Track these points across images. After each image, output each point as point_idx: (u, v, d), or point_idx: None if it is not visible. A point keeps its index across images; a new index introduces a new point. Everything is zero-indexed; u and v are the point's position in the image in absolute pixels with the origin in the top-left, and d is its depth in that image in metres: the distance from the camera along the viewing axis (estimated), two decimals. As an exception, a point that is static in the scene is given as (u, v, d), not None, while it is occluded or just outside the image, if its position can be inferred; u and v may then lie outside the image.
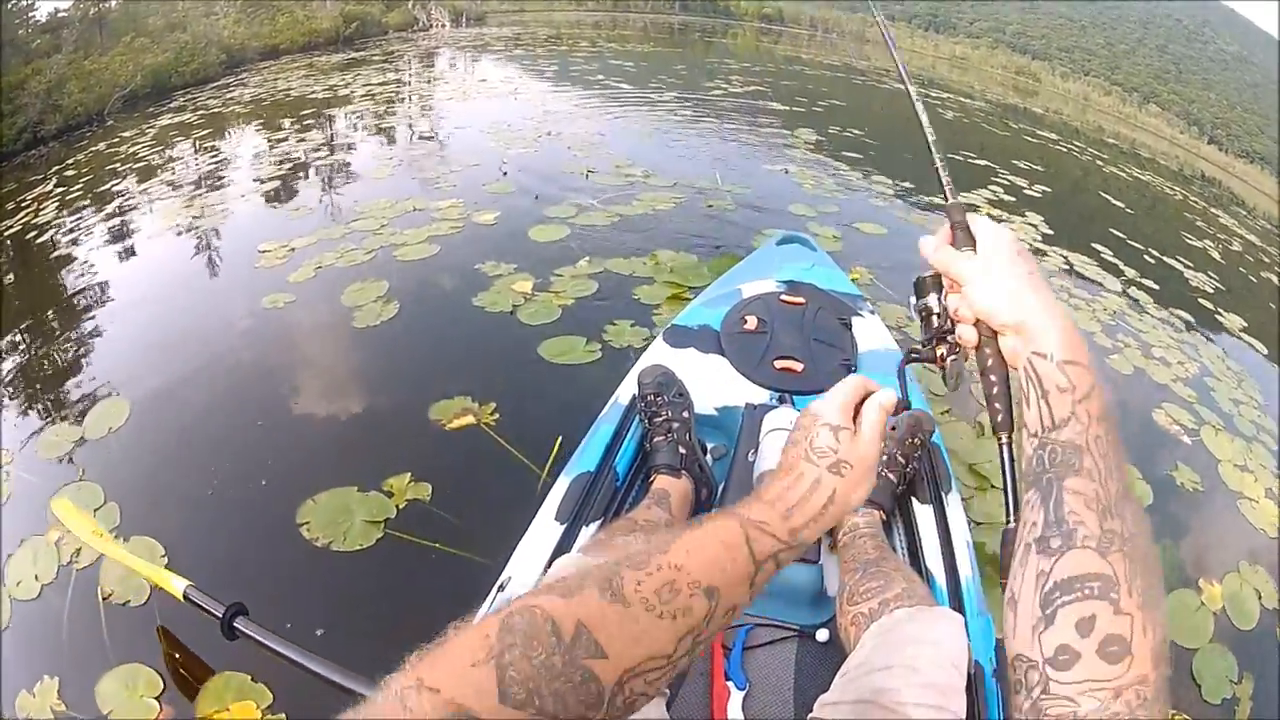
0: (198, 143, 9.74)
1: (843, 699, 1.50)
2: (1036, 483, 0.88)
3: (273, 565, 3.00)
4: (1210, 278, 8.84)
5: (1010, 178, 10.17)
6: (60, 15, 13.12)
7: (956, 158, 10.77)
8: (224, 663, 2.55)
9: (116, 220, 6.94)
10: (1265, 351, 7.12)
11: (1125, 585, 0.78)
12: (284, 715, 2.46)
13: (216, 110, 11.62)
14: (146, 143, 9.71)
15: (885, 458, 2.30)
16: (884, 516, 2.28)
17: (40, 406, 4.08)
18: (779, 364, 2.81)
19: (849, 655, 1.65)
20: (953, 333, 1.09)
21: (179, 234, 6.51)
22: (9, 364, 4.55)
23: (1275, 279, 11.10)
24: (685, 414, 2.49)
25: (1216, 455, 4.57)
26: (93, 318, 5.13)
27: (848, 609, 1.81)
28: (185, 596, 2.39)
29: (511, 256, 5.49)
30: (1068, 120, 18.69)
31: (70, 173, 8.72)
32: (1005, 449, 1.04)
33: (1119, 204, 11.24)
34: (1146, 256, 8.52)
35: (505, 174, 7.64)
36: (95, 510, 3.13)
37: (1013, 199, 9.15)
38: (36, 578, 2.91)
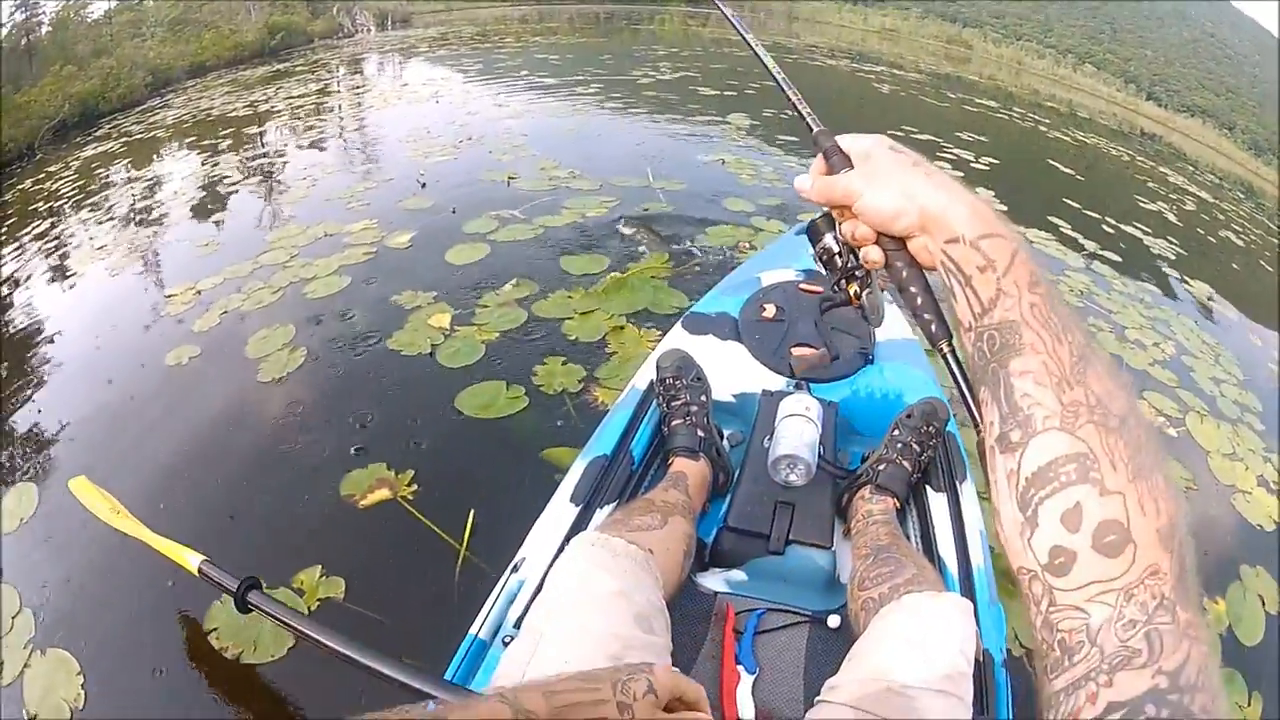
0: (115, 175, 9.24)
1: (849, 681, 1.52)
2: (983, 378, 0.82)
3: (184, 686, 2.69)
4: (1170, 243, 8.70)
5: (956, 151, 9.95)
6: (-8, 48, 12.69)
7: (897, 133, 10.09)
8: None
9: (27, 272, 6.48)
10: (1234, 317, 7.04)
11: (1107, 458, 0.70)
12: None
13: (139, 136, 11.15)
14: (69, 178, 9.21)
15: (900, 445, 2.30)
16: (898, 504, 2.27)
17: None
18: (796, 351, 2.83)
19: (857, 639, 1.68)
20: (860, 266, 1.04)
21: (86, 284, 6.08)
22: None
23: (1233, 236, 11.00)
24: (703, 397, 2.49)
25: (1205, 447, 4.42)
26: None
27: (858, 594, 1.83)
28: (200, 571, 2.44)
29: (429, 283, 5.10)
30: (1003, 85, 18.64)
31: None
32: (949, 357, 0.95)
33: (1068, 171, 11.07)
34: (1104, 226, 8.30)
35: (424, 186, 7.22)
36: (13, 618, 2.90)
37: (960, 174, 8.81)
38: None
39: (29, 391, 4.47)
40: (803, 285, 3.16)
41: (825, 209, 1.04)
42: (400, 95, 12.63)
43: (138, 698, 2.64)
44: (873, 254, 0.98)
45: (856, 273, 1.05)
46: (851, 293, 1.07)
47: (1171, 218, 10.40)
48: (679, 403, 2.44)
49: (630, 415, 2.54)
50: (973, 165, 9.45)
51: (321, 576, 2.96)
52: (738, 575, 2.19)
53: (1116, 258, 7.26)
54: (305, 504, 3.38)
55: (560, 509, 2.12)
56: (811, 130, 1.06)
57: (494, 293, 4.98)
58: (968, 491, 2.30)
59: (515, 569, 1.94)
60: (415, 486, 3.37)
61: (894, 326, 2.98)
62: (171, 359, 4.50)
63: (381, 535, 3.19)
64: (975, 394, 0.85)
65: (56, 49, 14.08)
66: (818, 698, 1.55)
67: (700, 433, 2.36)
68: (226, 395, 4.16)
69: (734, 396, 2.75)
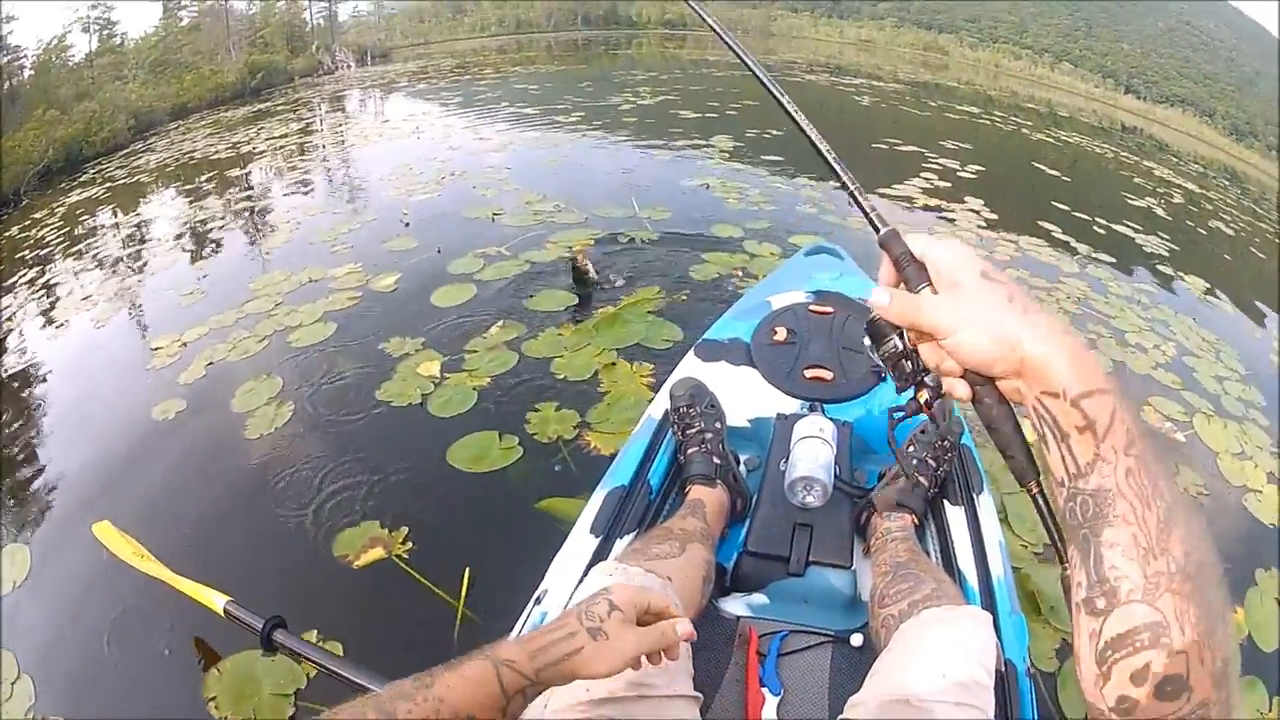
0: (100, 221, 9.33)
1: (871, 699, 1.52)
2: (1073, 538, 0.80)
3: None
4: (1161, 239, 8.63)
5: (941, 161, 9.85)
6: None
7: (881, 146, 10.50)
8: None
9: (13, 326, 6.48)
10: (1230, 310, 6.97)
11: (1177, 625, 0.71)
12: None
13: (122, 181, 11.20)
14: (55, 224, 9.30)
15: (916, 461, 2.31)
16: (916, 521, 2.26)
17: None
18: (809, 373, 2.83)
19: (879, 656, 1.68)
20: (928, 372, 0.95)
21: (70, 336, 6.08)
22: None
23: (1223, 226, 10.94)
24: (718, 424, 2.47)
25: (1213, 448, 4.35)
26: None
27: (878, 612, 1.83)
28: (225, 612, 2.47)
29: (416, 329, 5.00)
30: (981, 89, 18.63)
31: None
32: (1036, 498, 0.90)
33: (1054, 172, 11.01)
34: (1095, 227, 8.22)
35: (407, 225, 7.13)
36: (12, 683, 2.85)
37: (948, 184, 8.79)
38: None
39: (16, 449, 4.44)
40: (813, 307, 3.15)
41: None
42: (381, 132, 12.63)
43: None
44: (959, 390, 0.91)
45: (927, 379, 0.96)
46: (922, 400, 0.98)
47: (1160, 212, 10.35)
48: (694, 431, 2.43)
49: (647, 445, 2.54)
50: (959, 174, 9.35)
51: (319, 640, 2.84)
52: (759, 599, 2.19)
53: (1110, 259, 7.19)
54: (297, 566, 3.30)
55: (580, 540, 2.13)
56: (877, 231, 0.97)
57: (482, 336, 4.89)
58: (985, 504, 2.30)
59: (538, 601, 1.96)
60: (410, 544, 3.28)
61: None
62: (158, 413, 4.42)
63: (377, 595, 3.10)
64: (1064, 543, 0.82)
65: (39, 93, 14.29)
66: (840, 716, 1.55)
67: (716, 459, 2.34)
68: (213, 453, 4.07)
69: (749, 421, 2.73)
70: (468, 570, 3.07)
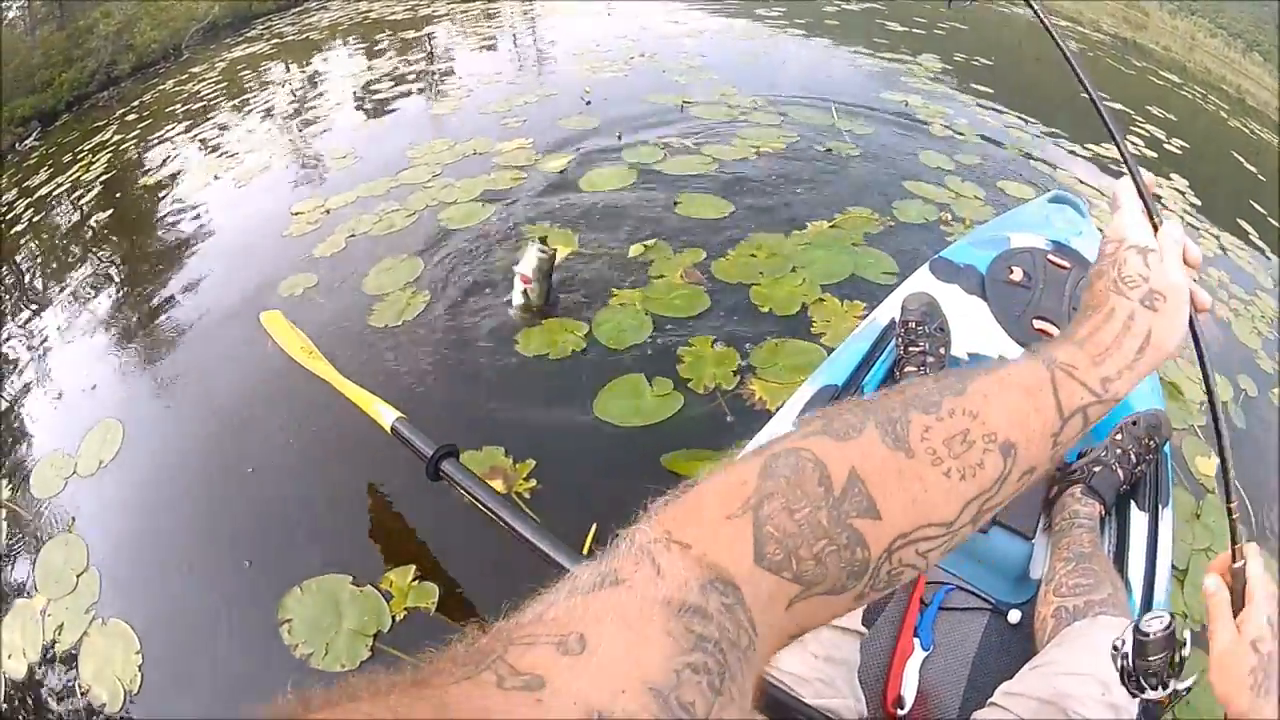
0: (259, 79, 9.06)
1: (1027, 692, 1.52)
2: None
3: (243, 680, 2.45)
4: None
5: (1148, 127, 8.91)
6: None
7: (1089, 98, 9.37)
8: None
9: (163, 174, 6.35)
10: None
11: None
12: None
13: (290, 39, 10.92)
14: (213, 79, 9.11)
15: (1119, 452, 2.26)
16: (1103, 511, 2.21)
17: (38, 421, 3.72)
18: (1038, 324, 2.74)
19: (1042, 647, 1.71)
20: (1172, 678, 0.99)
21: (217, 193, 5.79)
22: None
23: None
24: (942, 350, 2.49)
25: None
26: (96, 309, 4.54)
27: (1052, 599, 1.82)
28: (393, 429, 2.35)
29: (581, 221, 4.48)
30: (1179, 59, 17.28)
31: (131, 117, 8.11)
32: None
33: (1251, 169, 9.77)
34: None
35: (589, 104, 6.53)
36: (78, 575, 2.80)
37: (1155, 155, 7.88)
38: (25, 653, 2.65)
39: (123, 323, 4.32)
40: (1051, 257, 3.02)
41: (1168, 624, 1.00)
42: (571, 6, 11.91)
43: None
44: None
45: (1175, 684, 0.99)
46: (1165, 702, 1.03)
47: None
48: (917, 349, 2.44)
49: (868, 349, 2.57)
50: (1165, 146, 8.45)
51: (414, 581, 2.63)
52: None
53: None
54: (401, 485, 2.98)
55: (781, 431, 1.80)
56: (1233, 548, 1.02)
57: (654, 240, 4.33)
58: (1167, 517, 2.25)
59: None
60: (534, 481, 2.88)
61: None
62: (285, 288, 4.16)
63: (488, 535, 2.59)
64: None
65: None
66: (990, 700, 1.57)
67: None
68: (331, 339, 3.56)
69: (969, 355, 2.68)
70: (594, 529, 2.67)
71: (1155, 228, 0.93)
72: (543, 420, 3.23)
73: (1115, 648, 1.04)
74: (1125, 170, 1.01)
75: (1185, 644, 0.99)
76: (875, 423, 0.70)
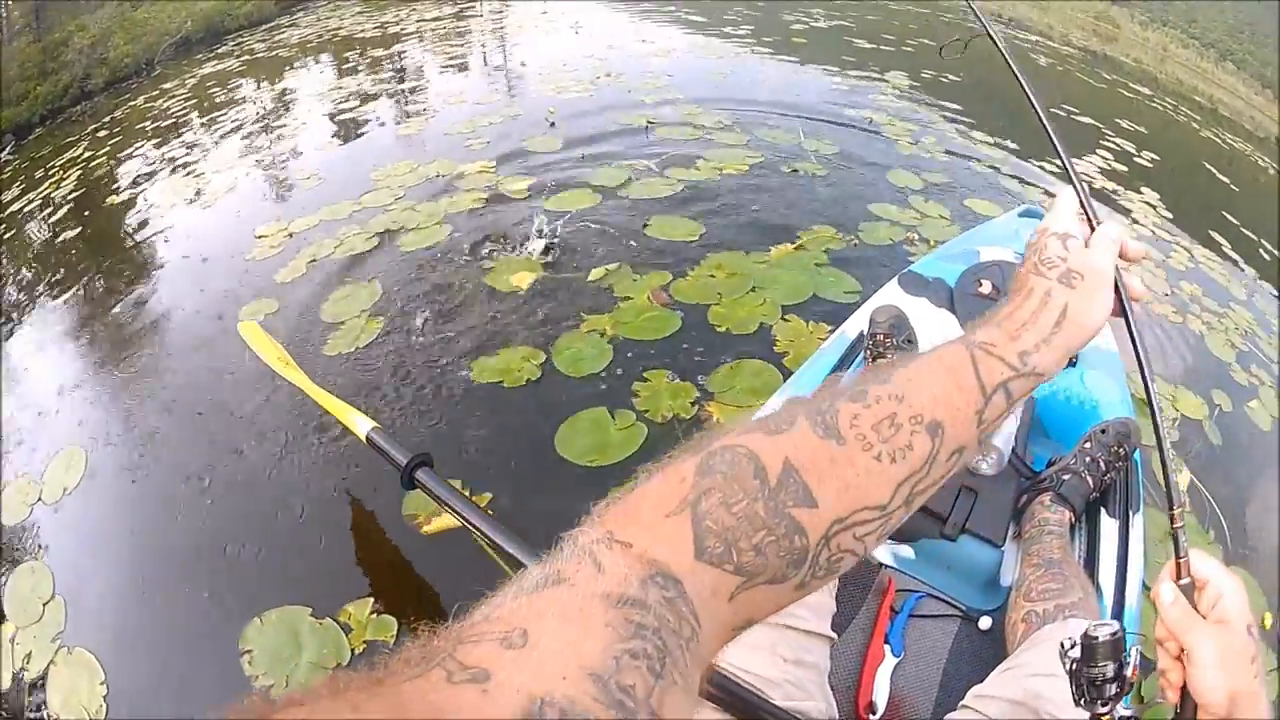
0: (228, 96, 9.00)
1: (999, 694, 1.54)
2: None
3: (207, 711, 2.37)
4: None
5: (1118, 140, 8.94)
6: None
7: (1059, 113, 9.52)
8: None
9: (130, 194, 6.30)
10: None
11: None
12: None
13: (260, 55, 10.92)
14: (183, 95, 9.11)
15: (1089, 460, 2.29)
16: (1073, 519, 2.24)
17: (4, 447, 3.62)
18: None
19: (1012, 651, 1.74)
20: (1117, 698, 1.01)
21: (183, 215, 5.75)
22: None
23: None
24: None
25: None
26: (60, 334, 4.50)
27: (1023, 604, 1.84)
28: (368, 439, 2.36)
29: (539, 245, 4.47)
30: (1149, 70, 17.42)
31: (103, 133, 8.10)
32: None
33: (1224, 179, 9.81)
34: (1262, 251, 7.12)
35: (553, 125, 6.52)
36: (44, 604, 2.81)
37: (1125, 169, 7.92)
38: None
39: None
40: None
41: (1115, 631, 1.01)
42: (539, 24, 12.00)
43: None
44: (1170, 694, 0.96)
45: (1119, 710, 1.02)
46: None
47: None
48: (884, 361, 2.11)
49: (836, 362, 2.62)
50: (1135, 159, 8.49)
51: (372, 614, 2.63)
52: (906, 551, 2.23)
53: (1274, 291, 6.23)
54: (361, 518, 3.01)
55: None
56: (1178, 555, 0.99)
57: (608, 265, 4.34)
58: (1137, 524, 2.29)
59: None
60: (492, 512, 2.74)
61: (1101, 334, 2.60)
62: (246, 314, 4.12)
63: (445, 570, 2.79)
64: None
65: None
66: (962, 703, 1.59)
67: None
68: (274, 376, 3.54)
69: None
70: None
71: (1092, 228, 0.98)
72: (501, 450, 3.21)
73: (1063, 646, 1.05)
74: (1071, 179, 1.08)
75: (1131, 664, 1.00)
76: (805, 414, 0.73)
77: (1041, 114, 1.18)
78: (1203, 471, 3.48)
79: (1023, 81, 1.24)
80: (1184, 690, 0.93)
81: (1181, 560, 0.98)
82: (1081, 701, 1.02)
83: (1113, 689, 1.00)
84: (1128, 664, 1.00)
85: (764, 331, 3.82)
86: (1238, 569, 2.98)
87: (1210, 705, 0.89)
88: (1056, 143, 1.16)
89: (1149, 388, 1.02)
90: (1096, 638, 1.00)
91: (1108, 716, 1.02)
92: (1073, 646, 1.04)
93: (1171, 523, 1.05)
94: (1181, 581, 0.97)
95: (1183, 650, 0.94)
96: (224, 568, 2.86)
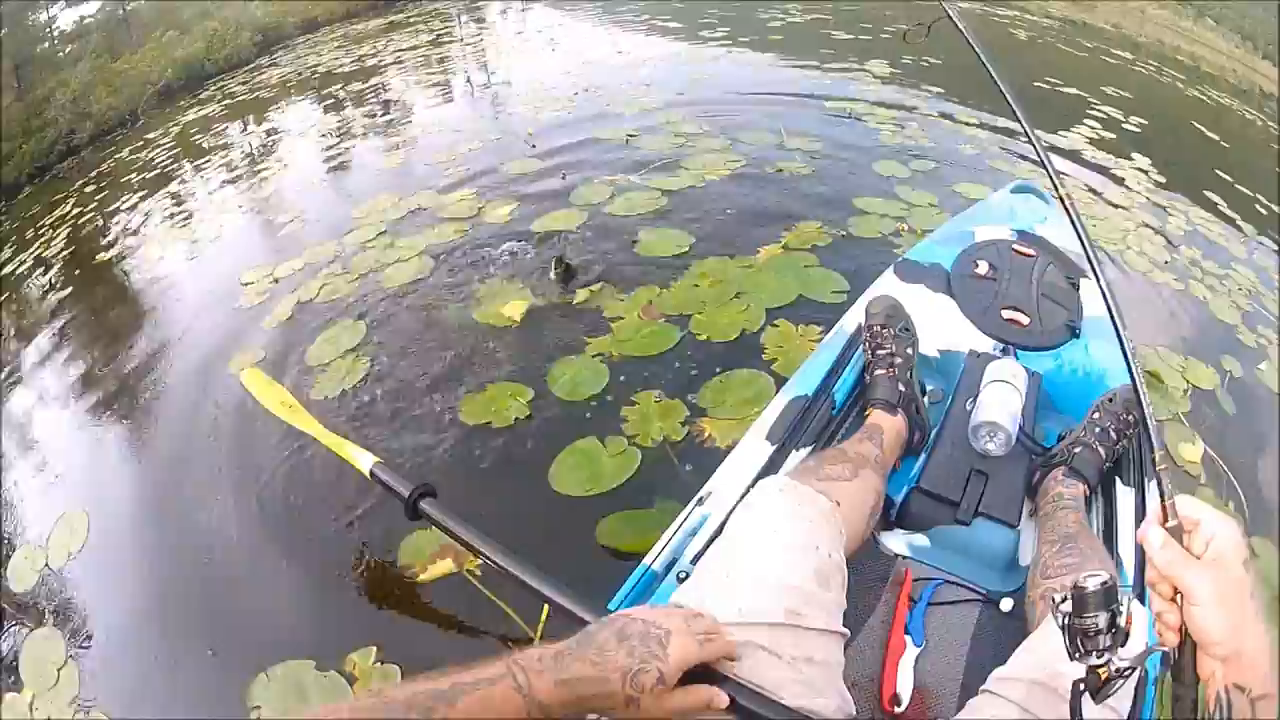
0: (211, 142, 9.04)
1: (1019, 675, 1.52)
2: None
3: None
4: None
5: (1103, 109, 8.89)
6: (86, 21, 13.07)
7: (1043, 86, 9.57)
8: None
9: (118, 249, 6.39)
10: None
11: None
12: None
13: (241, 98, 10.99)
14: (166, 145, 9.18)
15: (1099, 430, 2.26)
16: (1088, 491, 2.19)
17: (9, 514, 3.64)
18: (1006, 314, 2.80)
19: (1033, 631, 1.69)
20: (1112, 648, 1.03)
21: (170, 267, 5.81)
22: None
23: None
24: (909, 350, 2.49)
25: None
26: (55, 396, 4.54)
27: (1040, 582, 1.82)
28: (371, 474, 2.40)
29: (526, 272, 4.45)
30: (1130, 35, 17.37)
31: (90, 188, 8.20)
32: None
33: (1213, 136, 9.75)
34: (1258, 206, 7.00)
35: (533, 146, 6.47)
36: (58, 669, 2.79)
37: (1113, 136, 7.85)
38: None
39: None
40: (1016, 246, 3.08)
41: (1105, 580, 1.03)
42: (514, 45, 12.15)
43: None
44: (1169, 637, 0.98)
45: (1113, 660, 1.02)
46: (1103, 676, 1.03)
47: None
48: (884, 352, 2.44)
49: (836, 357, 2.58)
50: (1123, 126, 8.43)
51: (376, 661, 2.58)
52: (920, 540, 2.20)
53: (1274, 246, 6.15)
54: (359, 568, 2.95)
55: (755, 445, 2.18)
56: (1163, 499, 1.02)
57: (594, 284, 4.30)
58: (1154, 491, 2.03)
59: (700, 502, 2.02)
60: (480, 560, 2.75)
61: (1101, 304, 2.66)
62: (236, 363, 4.08)
63: (444, 617, 2.76)
64: None
65: (157, 15, 14.29)
66: (983, 687, 1.56)
67: (901, 387, 2.35)
68: (263, 426, 3.57)
69: (939, 352, 2.73)
70: (545, 610, 2.54)
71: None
72: (495, 490, 3.17)
73: (1053, 601, 1.07)
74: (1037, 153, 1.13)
75: (1124, 613, 1.02)
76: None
77: (1004, 89, 1.23)
78: (1218, 442, 3.43)
79: (984, 59, 1.29)
80: (1183, 632, 0.96)
81: (1167, 503, 1.01)
82: (1076, 655, 1.04)
83: (1106, 640, 1.02)
84: (1120, 613, 1.02)
85: (750, 339, 3.76)
86: (1262, 539, 3.02)
87: (1213, 644, 0.92)
88: (1019, 114, 1.23)
89: (1120, 334, 1.10)
90: (1085, 588, 1.03)
91: (1104, 668, 1.03)
92: (1064, 600, 1.05)
93: (1154, 466, 1.09)
94: (1169, 524, 0.99)
95: (1177, 592, 0.96)
96: (226, 624, 2.85)
